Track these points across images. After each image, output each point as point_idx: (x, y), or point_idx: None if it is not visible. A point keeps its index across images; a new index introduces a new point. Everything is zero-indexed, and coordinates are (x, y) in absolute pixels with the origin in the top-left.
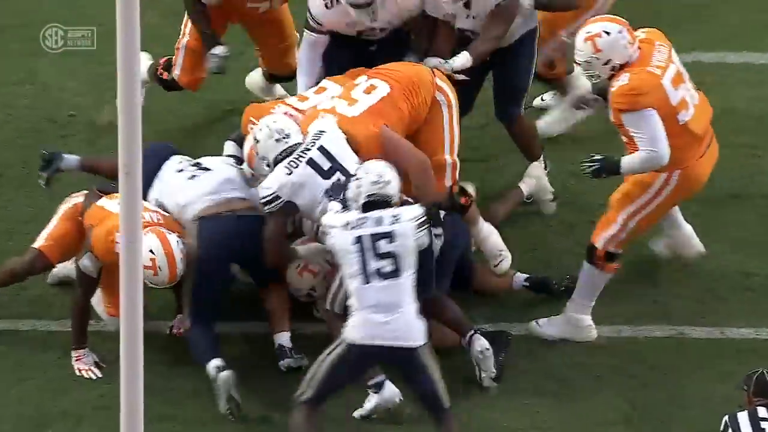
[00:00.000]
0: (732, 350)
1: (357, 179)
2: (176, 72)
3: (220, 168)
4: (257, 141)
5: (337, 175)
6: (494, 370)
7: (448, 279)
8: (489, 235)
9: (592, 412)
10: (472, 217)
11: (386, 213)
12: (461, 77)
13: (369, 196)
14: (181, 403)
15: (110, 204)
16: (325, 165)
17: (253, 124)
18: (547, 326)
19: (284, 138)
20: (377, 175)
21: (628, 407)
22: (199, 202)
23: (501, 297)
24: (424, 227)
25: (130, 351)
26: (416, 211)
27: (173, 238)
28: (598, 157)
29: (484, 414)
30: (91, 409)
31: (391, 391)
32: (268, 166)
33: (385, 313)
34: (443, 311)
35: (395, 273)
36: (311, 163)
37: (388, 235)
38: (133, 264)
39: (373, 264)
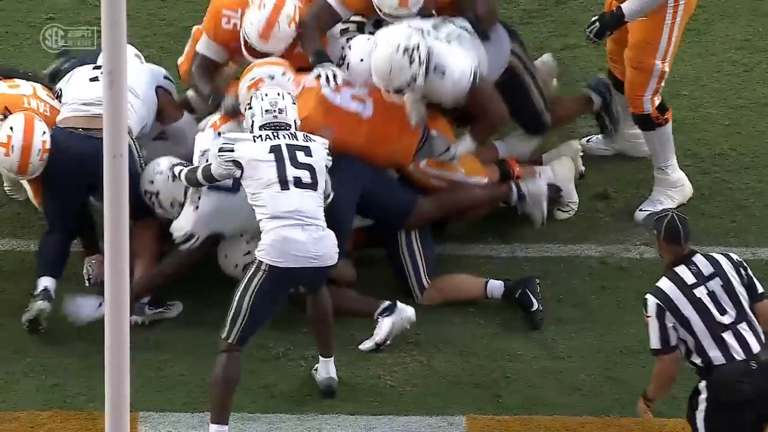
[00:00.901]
0: (762, 271)
1: (250, 108)
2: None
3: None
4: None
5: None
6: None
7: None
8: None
9: (613, 341)
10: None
11: (297, 133)
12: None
13: (263, 125)
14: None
15: None
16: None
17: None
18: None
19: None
20: (270, 103)
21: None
22: (68, 108)
23: (514, 220)
24: (329, 156)
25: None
26: (324, 141)
27: (41, 130)
28: (595, 17)
29: (498, 343)
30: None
31: (407, 309)
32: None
33: (306, 227)
34: None
35: (313, 186)
36: (214, 187)
37: (305, 149)
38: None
39: (292, 171)
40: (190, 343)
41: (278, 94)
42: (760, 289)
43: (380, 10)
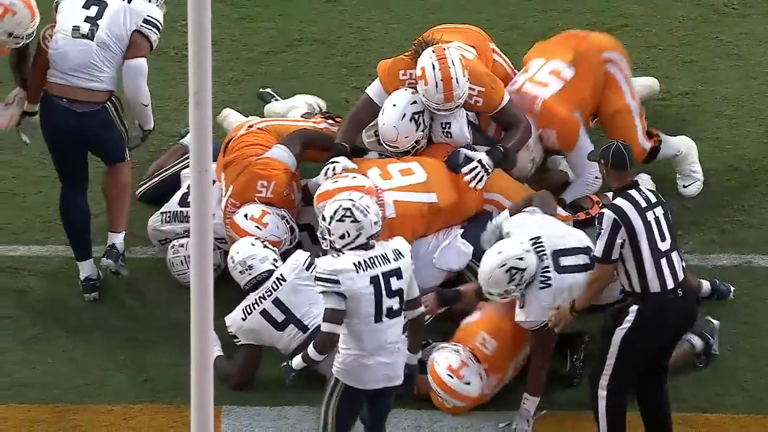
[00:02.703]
0: None
1: (355, 222)
2: None
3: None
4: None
5: (291, 327)
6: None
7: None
8: None
9: None
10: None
11: (386, 248)
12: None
13: (370, 237)
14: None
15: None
16: (279, 317)
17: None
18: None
19: (247, 270)
20: (376, 214)
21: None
22: (55, 74)
23: None
24: (412, 265)
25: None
26: (406, 245)
27: None
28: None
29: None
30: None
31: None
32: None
33: (388, 354)
34: None
35: (399, 312)
36: (264, 314)
37: (396, 272)
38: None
39: (386, 303)
40: None
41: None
42: None
43: (429, 107)
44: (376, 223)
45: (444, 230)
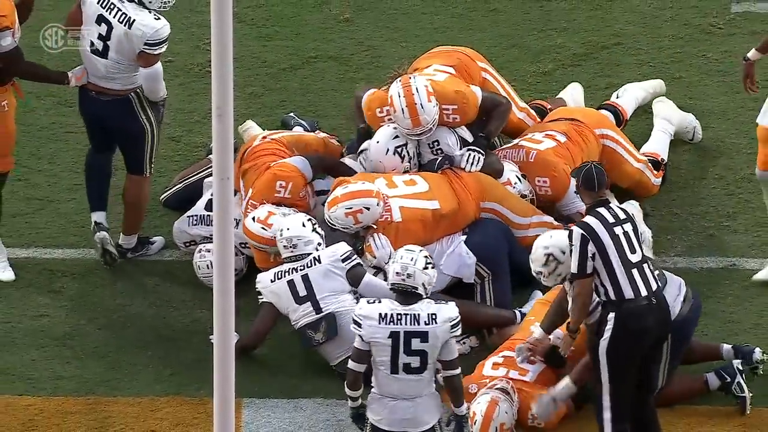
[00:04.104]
0: None
1: (392, 263)
2: None
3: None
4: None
5: (307, 305)
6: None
7: None
8: None
9: None
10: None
11: (424, 310)
12: None
13: (393, 285)
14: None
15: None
16: (302, 292)
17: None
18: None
19: (291, 247)
20: (402, 266)
21: None
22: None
23: None
24: (457, 327)
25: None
26: (453, 311)
27: None
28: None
29: None
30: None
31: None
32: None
33: (404, 401)
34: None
35: (420, 369)
36: (290, 284)
37: (421, 335)
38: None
39: (403, 359)
40: (285, 337)
41: (411, 259)
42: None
43: (402, 133)
44: (429, 282)
45: (447, 237)
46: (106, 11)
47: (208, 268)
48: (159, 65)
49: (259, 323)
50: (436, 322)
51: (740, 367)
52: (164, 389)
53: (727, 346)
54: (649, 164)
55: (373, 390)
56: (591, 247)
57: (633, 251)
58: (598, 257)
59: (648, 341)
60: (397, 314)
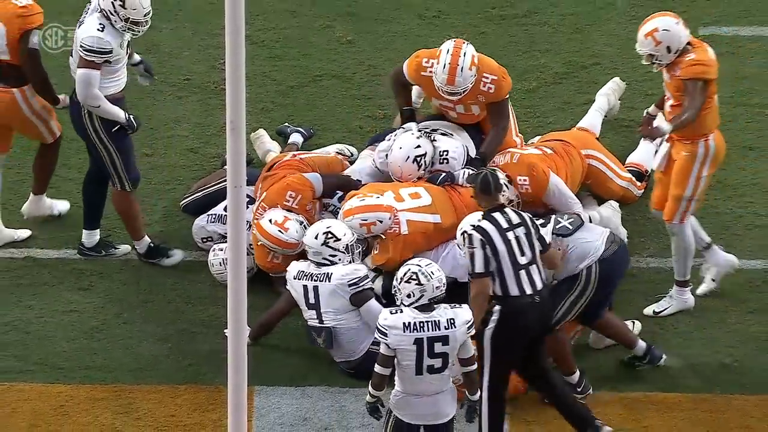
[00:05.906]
0: (744, 279)
1: (419, 285)
2: None
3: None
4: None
5: (313, 313)
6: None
7: None
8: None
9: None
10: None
11: (443, 316)
12: None
13: (411, 305)
14: None
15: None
16: (311, 299)
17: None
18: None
19: (327, 248)
20: (439, 279)
21: (656, 326)
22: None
23: None
24: (472, 328)
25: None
26: (468, 314)
27: None
28: None
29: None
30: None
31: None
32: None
33: (432, 398)
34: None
35: (442, 369)
36: (305, 288)
37: (443, 339)
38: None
39: (427, 362)
40: (293, 330)
41: (425, 275)
42: (548, 242)
43: (437, 87)
44: (437, 287)
45: (442, 244)
46: (82, 16)
47: (220, 265)
48: (94, 74)
49: (272, 313)
50: (455, 326)
51: (642, 365)
52: (183, 378)
53: (642, 344)
54: (633, 178)
55: (396, 388)
56: (488, 250)
57: (523, 254)
58: (492, 258)
59: (528, 335)
60: (420, 322)
